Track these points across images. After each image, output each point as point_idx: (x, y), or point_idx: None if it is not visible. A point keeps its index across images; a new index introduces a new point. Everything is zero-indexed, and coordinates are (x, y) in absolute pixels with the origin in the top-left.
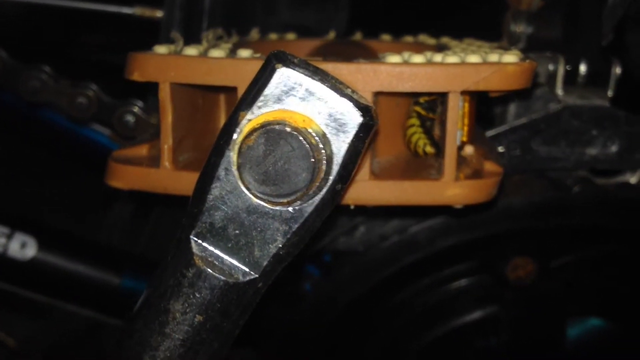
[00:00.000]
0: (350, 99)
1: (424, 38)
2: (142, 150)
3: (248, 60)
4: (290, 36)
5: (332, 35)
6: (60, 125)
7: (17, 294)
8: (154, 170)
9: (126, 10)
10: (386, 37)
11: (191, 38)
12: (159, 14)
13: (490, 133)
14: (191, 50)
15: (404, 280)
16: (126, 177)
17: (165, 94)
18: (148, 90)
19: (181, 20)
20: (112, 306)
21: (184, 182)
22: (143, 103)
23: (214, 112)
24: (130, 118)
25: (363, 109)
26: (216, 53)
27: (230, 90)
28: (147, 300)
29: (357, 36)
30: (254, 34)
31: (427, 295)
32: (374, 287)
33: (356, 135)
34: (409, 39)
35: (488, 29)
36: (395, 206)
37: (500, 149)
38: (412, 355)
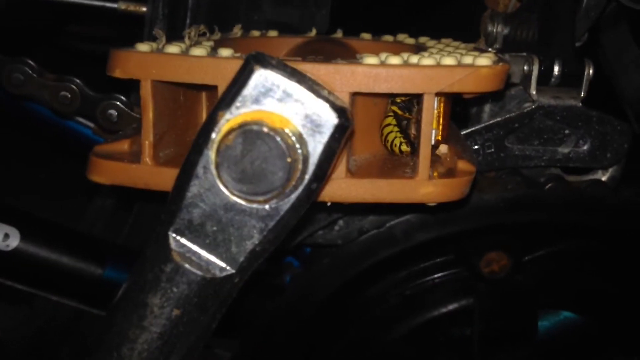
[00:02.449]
0: (327, 100)
1: (402, 37)
2: (124, 146)
3: (228, 59)
4: (272, 33)
5: (313, 32)
6: (43, 114)
7: (0, 284)
8: (134, 166)
9: (110, 4)
10: (366, 35)
11: (175, 34)
12: (143, 8)
13: (465, 131)
14: (173, 48)
15: (381, 272)
16: (107, 172)
17: (146, 91)
18: (131, 85)
19: (165, 16)
20: (94, 296)
21: (165, 178)
22: (126, 97)
23: (195, 109)
24: (113, 112)
25: (339, 110)
26: (197, 51)
27: (211, 88)
28: (126, 294)
29: (338, 34)
30: (237, 30)
31: (403, 288)
32: (352, 279)
33: (331, 136)
34: (388, 38)
35: (467, 26)
36: (371, 203)
37: (475, 147)
38: (390, 344)
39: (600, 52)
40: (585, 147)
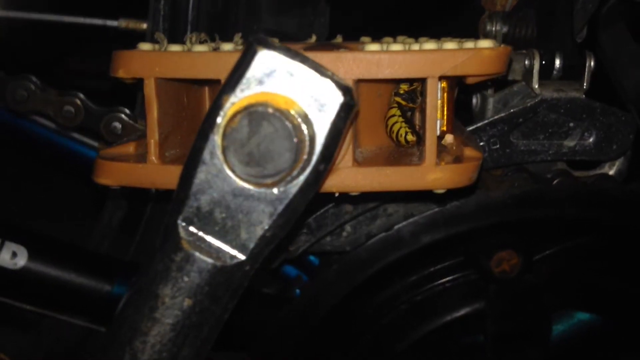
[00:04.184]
0: (331, 79)
1: (402, 39)
2: (129, 148)
3: (231, 53)
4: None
5: (313, 39)
6: (47, 136)
7: (9, 305)
8: (141, 165)
9: (111, 22)
10: (366, 39)
11: None
12: (144, 25)
13: (469, 128)
14: (175, 47)
15: (390, 278)
16: (114, 173)
17: (150, 89)
18: (134, 99)
19: (166, 31)
20: (103, 314)
21: (171, 176)
22: (130, 110)
23: (199, 111)
24: (117, 124)
25: (343, 89)
26: (200, 48)
27: (215, 86)
28: (137, 287)
29: (338, 39)
30: (237, 39)
31: (413, 293)
32: (362, 285)
33: (337, 115)
34: (387, 39)
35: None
36: (379, 192)
37: (480, 144)
38: (401, 352)
39: (599, 51)
40: (590, 140)
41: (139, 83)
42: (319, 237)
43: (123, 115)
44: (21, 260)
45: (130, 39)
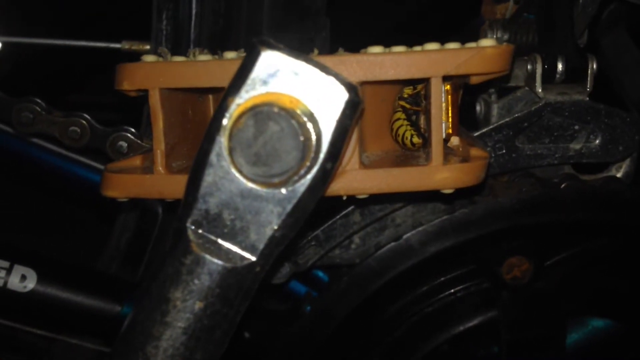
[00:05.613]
0: (336, 77)
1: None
2: (136, 161)
3: (234, 60)
4: None
5: (315, 53)
6: (53, 163)
7: (18, 330)
8: (148, 176)
9: (114, 45)
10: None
11: None
12: (147, 46)
13: (475, 134)
14: (178, 58)
15: (400, 289)
16: (121, 185)
17: (155, 100)
18: (139, 118)
19: (169, 50)
20: (114, 335)
21: (179, 186)
22: (135, 130)
23: (204, 123)
24: (123, 143)
25: (348, 86)
26: (203, 58)
27: (219, 95)
28: (147, 291)
29: (340, 52)
30: (240, 54)
31: (424, 304)
32: (372, 296)
33: (343, 112)
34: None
35: None
36: (387, 195)
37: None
38: None
39: (600, 57)
40: (596, 142)
41: (143, 97)
42: (327, 249)
43: (129, 134)
44: (30, 283)
45: None
